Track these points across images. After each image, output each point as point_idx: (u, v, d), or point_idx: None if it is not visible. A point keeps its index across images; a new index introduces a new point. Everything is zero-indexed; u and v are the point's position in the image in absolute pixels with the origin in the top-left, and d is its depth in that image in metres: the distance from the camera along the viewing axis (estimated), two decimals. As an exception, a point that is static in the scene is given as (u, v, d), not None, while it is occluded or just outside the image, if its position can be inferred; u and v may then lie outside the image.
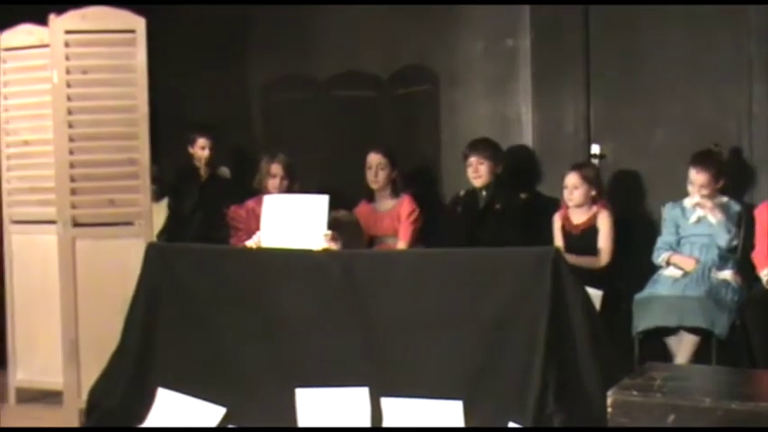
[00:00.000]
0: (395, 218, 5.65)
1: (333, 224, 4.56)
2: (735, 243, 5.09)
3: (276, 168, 5.70)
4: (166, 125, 6.12)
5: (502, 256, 4.31)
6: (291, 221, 4.59)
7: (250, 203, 5.64)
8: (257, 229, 4.77)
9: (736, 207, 5.16)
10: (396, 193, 5.73)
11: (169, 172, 6.16)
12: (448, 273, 4.24)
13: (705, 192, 5.11)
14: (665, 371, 3.62)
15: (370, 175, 5.73)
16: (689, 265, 5.07)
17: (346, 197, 5.73)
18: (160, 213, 5.90)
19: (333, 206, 4.60)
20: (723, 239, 5.03)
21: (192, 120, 6.23)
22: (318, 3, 6.19)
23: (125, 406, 4.63)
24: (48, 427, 4.86)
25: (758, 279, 4.89)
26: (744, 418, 3.18)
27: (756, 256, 4.95)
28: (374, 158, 5.73)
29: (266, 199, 4.81)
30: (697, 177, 5.11)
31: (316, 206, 4.55)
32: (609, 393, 3.38)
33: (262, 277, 4.54)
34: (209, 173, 6.10)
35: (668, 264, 5.14)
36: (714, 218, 5.06)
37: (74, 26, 5.00)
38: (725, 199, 5.18)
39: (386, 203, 5.74)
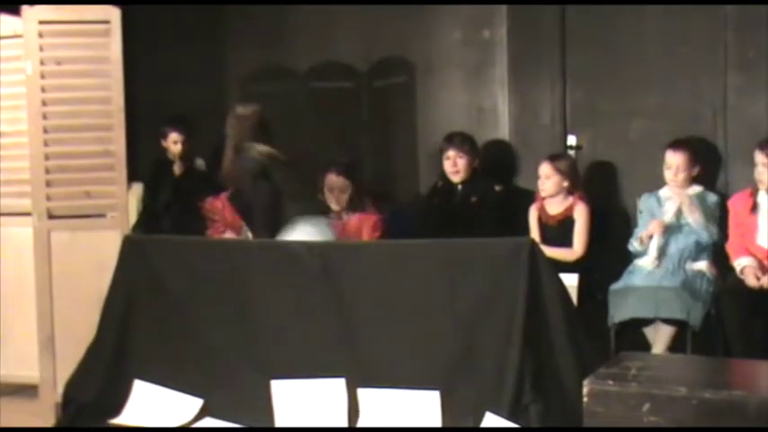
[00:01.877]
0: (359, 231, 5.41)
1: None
2: (716, 239, 5.09)
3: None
4: (144, 117, 6.10)
5: (478, 246, 4.31)
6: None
7: (226, 195, 5.62)
8: (233, 220, 4.75)
9: (713, 198, 5.18)
10: (355, 207, 5.45)
11: (145, 164, 6.13)
12: (424, 263, 4.25)
13: (681, 175, 5.12)
14: (641, 360, 3.63)
15: (330, 198, 5.48)
16: (655, 227, 5.07)
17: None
18: (135, 202, 5.88)
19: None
20: (704, 239, 5.05)
21: (167, 112, 6.19)
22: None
23: (101, 399, 4.61)
24: (22, 427, 4.81)
25: (732, 269, 4.92)
26: (718, 407, 3.19)
27: (730, 247, 4.98)
28: (335, 181, 5.47)
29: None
30: (674, 158, 5.13)
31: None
32: (584, 383, 3.39)
33: (238, 269, 4.53)
34: (184, 166, 6.08)
35: (641, 243, 5.12)
36: (692, 218, 5.07)
37: (48, 16, 4.95)
38: (699, 189, 5.20)
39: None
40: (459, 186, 5.57)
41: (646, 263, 5.11)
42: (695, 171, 5.18)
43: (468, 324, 4.13)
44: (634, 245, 5.17)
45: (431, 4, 5.94)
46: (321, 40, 6.25)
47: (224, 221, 5.31)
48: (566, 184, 5.34)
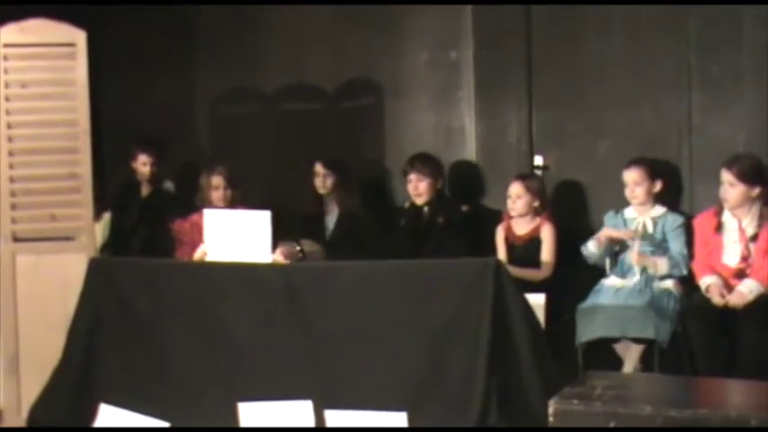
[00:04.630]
0: None
1: (298, 256, 4.59)
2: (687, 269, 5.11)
3: (217, 180, 5.65)
4: (111, 139, 6.08)
5: (444, 267, 4.33)
6: (236, 236, 4.58)
7: (194, 217, 5.59)
8: (201, 242, 4.74)
9: (679, 219, 5.18)
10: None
11: (113, 186, 6.10)
12: (391, 284, 4.26)
13: (638, 190, 5.15)
14: (606, 379, 3.64)
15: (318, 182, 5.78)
16: (627, 234, 5.10)
17: (293, 210, 5.75)
18: (103, 230, 5.85)
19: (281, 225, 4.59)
20: (683, 272, 5.07)
21: (136, 134, 6.17)
22: (264, 14, 6.19)
23: (67, 422, 4.56)
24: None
25: (698, 288, 4.95)
26: (683, 425, 3.21)
27: (695, 265, 5.00)
28: (320, 169, 5.78)
29: (206, 213, 4.78)
30: (628, 175, 5.17)
31: (259, 222, 4.54)
32: (550, 402, 3.40)
33: (205, 291, 4.51)
34: (151, 188, 6.06)
35: (599, 244, 5.12)
36: (659, 269, 5.06)
37: (12, 39, 4.92)
38: (663, 210, 5.23)
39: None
40: (426, 208, 5.60)
41: (613, 282, 5.14)
42: (656, 187, 5.20)
43: (434, 344, 4.14)
44: (588, 247, 5.17)
45: (398, 3, 5.95)
46: (290, 61, 6.26)
47: (192, 243, 5.29)
48: (536, 203, 5.36)
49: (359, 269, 4.46)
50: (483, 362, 3.99)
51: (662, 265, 5.06)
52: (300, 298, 4.33)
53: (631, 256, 5.07)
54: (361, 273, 4.40)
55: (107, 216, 6.01)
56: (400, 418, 4.16)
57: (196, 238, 5.23)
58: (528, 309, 4.18)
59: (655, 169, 5.20)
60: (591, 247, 5.17)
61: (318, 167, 5.81)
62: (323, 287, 4.34)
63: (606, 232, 5.14)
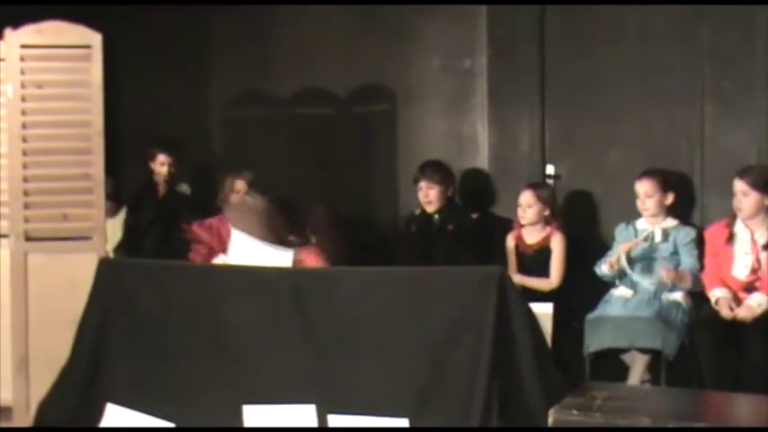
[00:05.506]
0: None
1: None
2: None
3: (240, 185, 5.68)
4: (126, 140, 6.13)
5: (448, 275, 4.33)
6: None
7: (213, 221, 5.62)
8: (219, 246, 4.77)
9: (691, 233, 5.15)
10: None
11: (127, 187, 6.15)
12: (395, 291, 4.26)
13: (649, 202, 5.14)
14: (608, 390, 3.65)
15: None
16: (636, 241, 5.09)
17: (305, 213, 5.76)
18: (115, 229, 5.89)
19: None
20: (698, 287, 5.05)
21: (151, 135, 6.21)
22: (277, 19, 6.21)
23: (74, 421, 4.59)
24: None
25: (707, 300, 4.92)
26: (682, 438, 3.21)
27: (705, 277, 4.98)
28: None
29: (235, 235, 4.79)
30: (640, 186, 5.15)
31: (280, 260, 4.58)
32: (550, 412, 3.40)
33: (211, 293, 4.52)
34: (167, 189, 6.09)
35: (611, 267, 5.10)
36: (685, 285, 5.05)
37: (29, 41, 4.97)
38: (675, 222, 5.20)
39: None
40: (436, 215, 5.60)
41: (622, 292, 5.13)
42: (668, 199, 5.18)
43: (437, 352, 4.14)
44: (602, 268, 5.17)
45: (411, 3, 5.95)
46: (303, 66, 6.28)
47: (209, 247, 5.32)
48: (546, 212, 5.36)
49: (364, 275, 4.47)
50: (485, 370, 3.99)
51: (687, 279, 5.02)
52: (306, 302, 4.34)
53: (664, 275, 5.01)
54: (367, 279, 4.41)
55: (121, 215, 6.05)
56: (402, 424, 4.17)
57: (214, 242, 5.27)
58: (532, 318, 4.18)
59: (667, 181, 5.18)
60: (604, 269, 5.16)
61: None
62: (328, 292, 4.35)
63: (618, 253, 5.10)
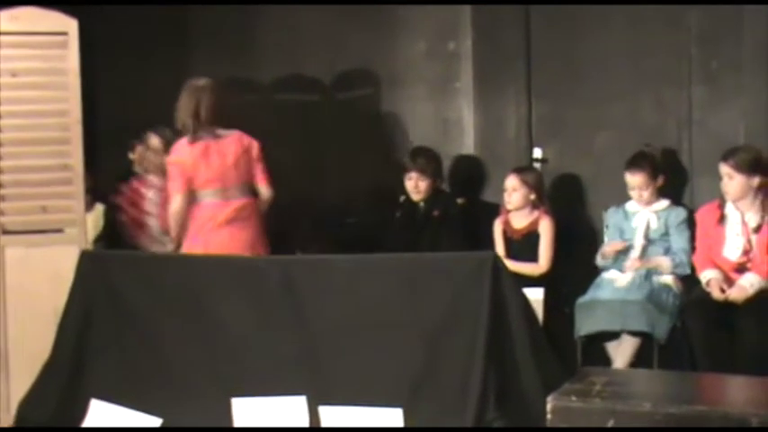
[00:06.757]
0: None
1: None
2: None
3: (156, 141, 5.62)
4: (104, 129, 6.01)
5: (441, 261, 4.28)
6: None
7: (133, 183, 5.65)
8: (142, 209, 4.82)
9: (682, 214, 5.14)
10: None
11: (106, 177, 6.03)
12: (387, 278, 4.21)
13: (645, 193, 5.12)
14: (605, 375, 3.60)
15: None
16: (618, 245, 5.09)
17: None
18: (95, 221, 5.78)
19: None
20: (686, 270, 5.06)
21: (130, 125, 6.08)
22: (260, 3, 6.11)
23: (57, 419, 4.50)
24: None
25: (698, 282, 4.90)
26: (682, 422, 3.17)
27: (696, 259, 4.97)
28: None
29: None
30: (632, 179, 5.14)
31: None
32: (548, 399, 3.35)
33: (199, 284, 4.45)
34: None
35: (603, 257, 5.14)
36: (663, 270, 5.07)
37: (4, 27, 4.85)
38: (666, 203, 5.18)
39: None
40: (422, 203, 5.54)
41: (612, 275, 5.08)
42: (659, 182, 5.16)
43: (430, 340, 4.09)
44: (599, 261, 5.20)
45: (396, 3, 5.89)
46: (285, 52, 6.19)
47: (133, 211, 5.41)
48: (532, 197, 5.30)
49: (355, 262, 4.41)
50: (480, 357, 3.95)
51: (665, 264, 5.01)
52: (296, 291, 4.27)
53: (631, 264, 5.03)
54: (357, 266, 4.35)
55: (100, 207, 5.94)
56: (396, 414, 4.11)
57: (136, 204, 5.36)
58: (526, 304, 4.15)
59: (656, 166, 5.16)
60: (600, 261, 5.18)
61: None
62: (318, 280, 4.29)
63: (611, 248, 5.13)
